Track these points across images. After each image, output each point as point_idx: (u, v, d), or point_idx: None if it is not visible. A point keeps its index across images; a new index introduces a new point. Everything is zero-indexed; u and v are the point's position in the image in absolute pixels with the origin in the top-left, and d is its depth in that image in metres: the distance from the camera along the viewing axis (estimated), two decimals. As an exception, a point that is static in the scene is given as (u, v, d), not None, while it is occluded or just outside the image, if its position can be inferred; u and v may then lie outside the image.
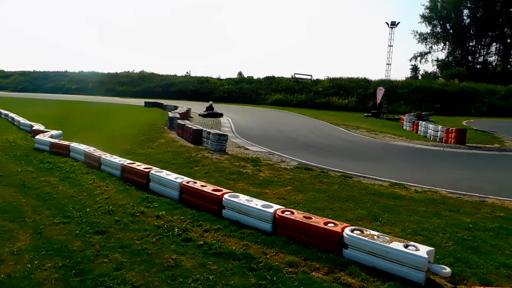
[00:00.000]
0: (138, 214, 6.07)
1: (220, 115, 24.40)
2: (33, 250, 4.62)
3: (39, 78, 61.51)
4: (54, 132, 12.78)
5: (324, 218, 5.20)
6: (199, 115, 24.43)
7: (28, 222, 5.52)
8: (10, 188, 7.22)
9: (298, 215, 5.25)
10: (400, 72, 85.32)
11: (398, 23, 31.90)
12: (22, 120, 16.54)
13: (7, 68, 68.29)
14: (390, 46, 32.48)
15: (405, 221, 6.22)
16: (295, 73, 50.37)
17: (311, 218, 5.13)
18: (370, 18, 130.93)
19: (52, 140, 11.13)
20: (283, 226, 5.28)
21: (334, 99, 41.55)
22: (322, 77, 49.21)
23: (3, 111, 20.65)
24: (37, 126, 14.35)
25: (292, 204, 6.77)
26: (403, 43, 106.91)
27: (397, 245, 4.28)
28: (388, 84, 35.10)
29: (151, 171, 7.45)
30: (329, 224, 4.94)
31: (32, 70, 66.32)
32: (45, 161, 9.63)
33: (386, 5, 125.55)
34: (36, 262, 4.32)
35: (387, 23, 32.34)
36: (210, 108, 25.31)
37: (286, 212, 5.38)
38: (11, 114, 18.92)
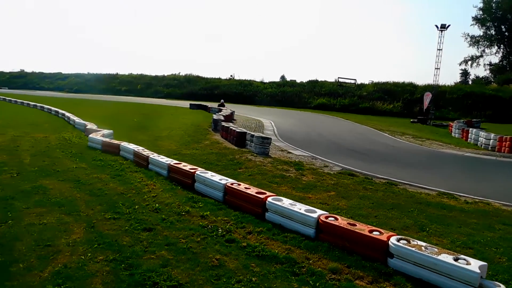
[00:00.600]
0: (183, 213, 6.23)
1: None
2: (87, 243, 4.88)
3: (92, 79, 64.89)
4: (105, 131, 13.42)
5: (369, 226, 5.10)
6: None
7: (82, 216, 5.83)
8: (66, 183, 7.67)
9: (342, 222, 5.17)
10: (449, 77, 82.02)
11: (448, 25, 30.69)
12: (77, 119, 17.54)
13: (65, 71, 72.75)
14: (439, 50, 31.28)
15: (454, 233, 5.95)
16: (338, 77, 49.75)
17: (356, 225, 5.04)
18: (417, 21, 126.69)
19: (104, 139, 11.68)
20: (327, 232, 5.23)
21: (379, 104, 40.58)
22: (366, 81, 48.28)
23: (60, 111, 22.01)
24: (90, 125, 15.13)
25: (336, 210, 6.68)
26: (453, 47, 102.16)
27: (447, 258, 4.10)
28: (436, 89, 33.80)
29: (197, 172, 7.62)
30: (374, 232, 4.83)
31: (86, 72, 70.27)
32: (97, 159, 10.13)
33: (435, 7, 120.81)
34: (89, 254, 4.56)
35: (436, 26, 31.19)
36: (221, 105, 29.77)
37: (329, 218, 5.32)
38: (67, 114, 20.17)
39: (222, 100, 32.38)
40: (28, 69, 75.55)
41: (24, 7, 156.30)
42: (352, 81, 48.44)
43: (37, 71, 74.60)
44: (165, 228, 5.58)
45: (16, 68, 76.43)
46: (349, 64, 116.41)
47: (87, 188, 7.39)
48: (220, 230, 5.55)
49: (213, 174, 7.54)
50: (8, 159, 9.64)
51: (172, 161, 8.62)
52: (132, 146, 10.33)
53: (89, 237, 5.07)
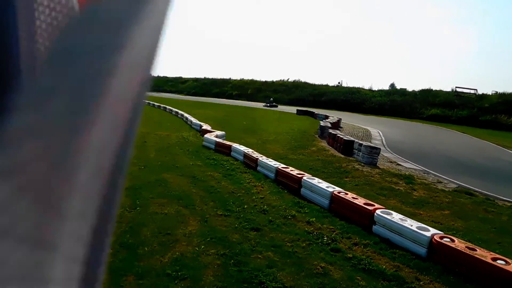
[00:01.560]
0: (289, 217, 6.30)
1: (276, 106, 35.00)
2: (201, 235, 5.24)
3: (208, 84, 70.01)
4: (218, 132, 14.30)
5: (492, 253, 4.53)
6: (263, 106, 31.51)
7: (197, 210, 6.30)
8: (184, 178, 8.38)
9: (459, 244, 4.69)
10: None
11: None
12: (194, 120, 19.06)
13: (184, 75, 79.91)
14: None
15: None
16: (456, 87, 45.29)
17: (476, 250, 4.53)
18: None
19: (217, 140, 12.45)
20: (441, 254, 4.78)
21: (503, 117, 35.67)
22: (488, 91, 43.08)
23: (180, 112, 24.18)
24: (205, 126, 16.29)
25: (451, 230, 6.07)
26: None
27: None
28: None
29: (304, 177, 7.64)
30: (498, 261, 4.28)
31: (203, 77, 76.04)
32: (211, 158, 10.84)
33: None
34: (202, 246, 4.89)
35: None
36: (271, 102, 35.73)
37: (445, 239, 4.87)
38: (185, 115, 22.08)
39: (271, 98, 36.68)
40: (154, 73, 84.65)
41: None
42: (472, 91, 43.67)
43: (161, 75, 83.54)
44: (272, 229, 5.70)
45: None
46: (468, 72, 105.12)
47: (201, 184, 7.95)
48: (325, 238, 5.48)
49: (320, 181, 7.48)
50: (137, 153, 10.92)
51: (280, 165, 8.79)
52: (242, 148, 10.81)
53: (203, 230, 5.44)
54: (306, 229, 5.82)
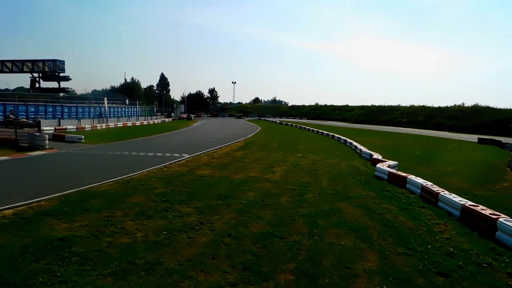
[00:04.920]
0: (485, 265, 5.41)
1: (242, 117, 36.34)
2: (381, 274, 4.94)
3: (375, 111, 68.09)
4: (391, 162, 13.57)
5: None
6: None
7: (375, 245, 6.00)
8: (358, 209, 8.17)
9: None
10: None
11: None
12: (363, 148, 18.65)
13: (351, 103, 79.86)
14: None
15: None
16: None
17: None
18: None
19: (391, 170, 11.80)
20: None
21: None
22: None
23: (348, 140, 24.07)
24: (376, 156, 15.70)
25: None
26: None
27: None
28: None
29: (500, 219, 6.51)
30: None
31: (370, 104, 74.48)
32: (385, 189, 10.32)
33: None
34: (384, 286, 4.58)
35: None
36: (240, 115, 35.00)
37: None
38: (354, 143, 21.83)
39: (241, 114, 32.88)
40: (321, 102, 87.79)
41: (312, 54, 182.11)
42: None
43: (328, 104, 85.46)
44: (464, 277, 4.98)
45: (312, 102, 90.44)
46: None
47: (377, 217, 7.60)
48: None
49: (525, 225, 6.23)
50: (310, 180, 11.26)
51: (466, 202, 7.73)
52: (420, 181, 9.96)
53: (383, 268, 5.12)
54: (510, 282, 4.88)
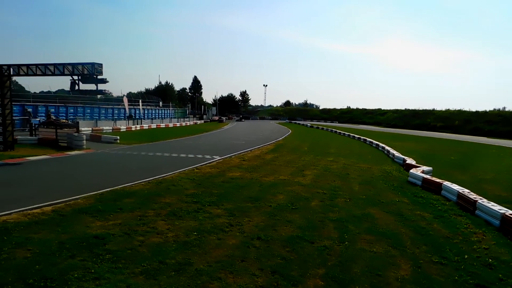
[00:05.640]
0: (528, 278, 5.14)
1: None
2: (415, 283, 4.79)
3: (408, 115, 66.22)
4: (425, 168, 13.16)
5: None
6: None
7: (408, 253, 5.83)
8: (390, 215, 7.97)
9: None
10: None
11: None
12: (396, 153, 18.18)
13: (384, 107, 78.16)
14: None
15: None
16: None
17: None
18: None
19: (425, 176, 11.44)
20: None
21: None
22: None
23: (380, 144, 23.54)
24: (409, 161, 15.27)
25: None
26: None
27: None
28: None
29: (544, 230, 6.17)
30: None
31: (403, 108, 72.55)
32: (418, 195, 10.02)
33: None
34: (420, 296, 4.45)
35: None
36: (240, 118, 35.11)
37: None
38: (386, 147, 21.33)
39: (241, 116, 31.60)
40: (353, 106, 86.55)
41: (348, 58, 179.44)
42: None
43: (360, 107, 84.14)
44: (504, 290, 4.75)
45: (344, 106, 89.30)
46: None
47: (410, 224, 7.38)
48: None
49: None
50: (341, 184, 11.10)
51: (507, 211, 7.39)
52: (456, 187, 9.61)
53: (416, 277, 4.96)
54: (554, 298, 4.61)
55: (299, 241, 6.10)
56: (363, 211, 8.16)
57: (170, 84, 79.02)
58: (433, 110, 65.71)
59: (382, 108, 77.40)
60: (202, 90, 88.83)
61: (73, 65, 17.51)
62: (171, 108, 58.72)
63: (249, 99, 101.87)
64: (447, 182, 10.25)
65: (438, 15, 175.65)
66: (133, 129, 34.61)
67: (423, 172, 12.30)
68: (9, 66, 15.79)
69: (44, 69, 16.01)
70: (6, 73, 15.78)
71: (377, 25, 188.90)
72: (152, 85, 77.77)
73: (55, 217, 6.94)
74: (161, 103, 56.65)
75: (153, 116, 48.79)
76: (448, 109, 63.53)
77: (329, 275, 4.85)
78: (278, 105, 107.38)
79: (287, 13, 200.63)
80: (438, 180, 10.83)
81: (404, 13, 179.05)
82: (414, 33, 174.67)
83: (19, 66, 15.86)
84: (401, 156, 17.07)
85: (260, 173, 12.64)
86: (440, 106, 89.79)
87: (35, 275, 4.52)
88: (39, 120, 23.58)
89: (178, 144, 22.23)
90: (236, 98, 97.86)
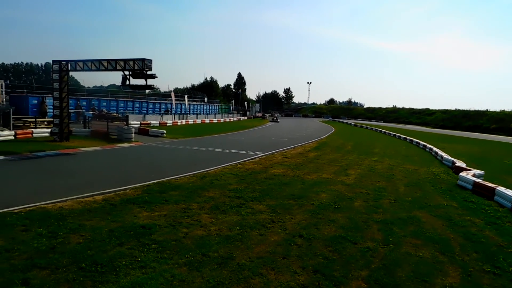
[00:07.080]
0: None
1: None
2: (464, 291, 4.59)
3: (459, 116, 62.98)
4: (476, 171, 12.50)
5: None
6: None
7: (457, 260, 5.58)
8: (438, 219, 7.66)
9: None
10: None
11: None
12: (445, 155, 17.38)
13: (432, 107, 74.95)
14: None
15: None
16: None
17: None
18: None
19: (476, 180, 10.88)
20: None
21: None
22: None
23: (428, 145, 22.61)
24: (459, 163, 14.55)
25: None
26: None
27: None
28: None
29: None
30: None
31: (453, 108, 69.19)
32: (469, 200, 9.54)
33: None
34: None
35: None
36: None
37: None
38: (434, 149, 20.45)
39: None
40: (399, 105, 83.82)
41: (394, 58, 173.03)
42: None
43: (407, 107, 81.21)
44: None
45: (389, 105, 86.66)
46: None
47: (460, 229, 7.05)
48: None
49: None
50: (386, 185, 10.81)
51: None
52: (511, 193, 9.06)
53: (466, 286, 4.75)
54: None
55: (341, 241, 6.02)
56: (409, 213, 7.90)
57: (214, 80, 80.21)
58: (486, 111, 61.96)
59: (430, 108, 74.13)
60: (246, 87, 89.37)
61: (125, 60, 18.24)
62: (215, 104, 59.62)
63: (293, 96, 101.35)
64: (501, 187, 9.68)
65: (494, 11, 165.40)
66: (178, 123, 35.50)
67: (474, 175, 11.68)
68: (67, 61, 16.77)
69: (98, 65, 16.82)
70: (64, 68, 16.78)
71: (426, 22, 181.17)
72: (197, 81, 79.24)
73: (105, 206, 7.30)
74: (206, 98, 57.66)
75: (198, 112, 49.77)
76: (503, 110, 59.69)
77: (372, 277, 4.75)
78: (322, 103, 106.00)
79: (333, 10, 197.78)
80: (491, 184, 10.25)
81: (455, 9, 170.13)
82: (467, 30, 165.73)
83: (76, 61, 16.79)
84: (450, 158, 16.29)
85: (303, 171, 12.57)
86: (494, 107, 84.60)
87: (87, 259, 4.79)
88: (92, 113, 24.83)
89: (221, 140, 22.58)
90: (279, 95, 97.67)
